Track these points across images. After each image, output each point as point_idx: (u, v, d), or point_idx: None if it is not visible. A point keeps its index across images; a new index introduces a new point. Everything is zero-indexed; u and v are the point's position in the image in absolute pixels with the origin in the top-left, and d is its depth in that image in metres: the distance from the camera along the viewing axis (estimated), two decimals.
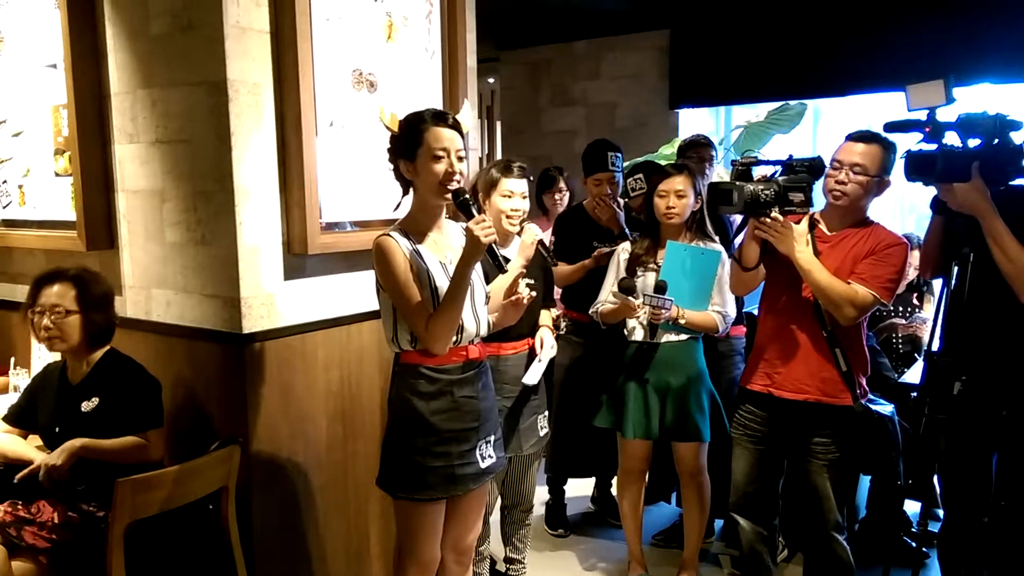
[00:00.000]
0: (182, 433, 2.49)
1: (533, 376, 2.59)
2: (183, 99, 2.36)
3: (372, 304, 2.61)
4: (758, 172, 2.45)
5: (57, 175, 2.83)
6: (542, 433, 2.75)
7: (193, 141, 2.36)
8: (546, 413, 2.79)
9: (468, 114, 2.20)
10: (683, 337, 2.82)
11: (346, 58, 2.55)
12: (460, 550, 2.24)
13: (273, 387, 2.39)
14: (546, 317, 2.76)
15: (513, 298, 2.17)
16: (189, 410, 2.48)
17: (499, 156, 5.96)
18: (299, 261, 2.47)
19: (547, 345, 2.64)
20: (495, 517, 2.94)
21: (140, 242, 2.58)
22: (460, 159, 2.01)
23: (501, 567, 3.04)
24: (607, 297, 2.89)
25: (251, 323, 2.33)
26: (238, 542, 2.25)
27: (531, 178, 2.75)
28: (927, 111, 2.21)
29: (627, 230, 3.34)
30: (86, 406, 2.28)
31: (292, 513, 2.50)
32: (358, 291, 2.65)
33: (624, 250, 2.92)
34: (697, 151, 3.66)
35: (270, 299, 2.39)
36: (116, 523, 1.94)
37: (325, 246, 2.49)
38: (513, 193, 2.59)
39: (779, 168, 2.42)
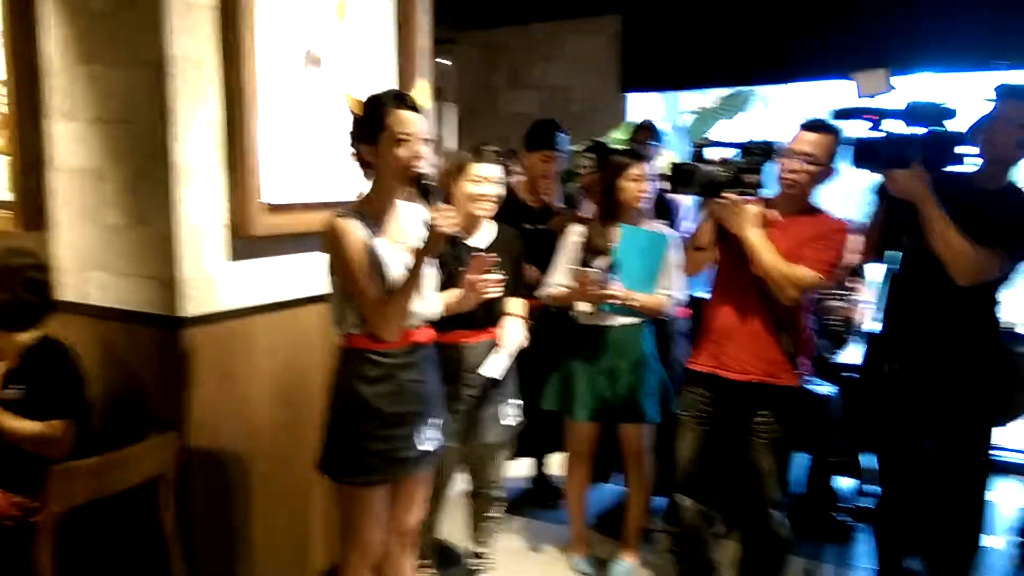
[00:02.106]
0: (119, 419, 2.43)
1: (492, 367, 2.55)
2: (124, 76, 2.29)
3: (318, 288, 2.59)
4: (714, 155, 2.49)
5: None
6: (509, 422, 2.70)
7: (134, 120, 2.29)
8: (516, 402, 2.74)
9: (425, 95, 2.17)
10: (633, 320, 2.85)
11: (295, 36, 2.49)
12: (403, 533, 2.24)
13: (213, 373, 2.35)
14: (515, 306, 2.68)
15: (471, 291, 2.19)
16: (127, 396, 2.42)
17: (452, 138, 5.91)
18: (243, 243, 2.42)
19: (514, 336, 2.60)
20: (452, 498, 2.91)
21: (77, 223, 2.50)
22: (424, 142, 1.99)
23: (467, 558, 3.01)
24: (558, 280, 2.88)
25: (191, 306, 2.28)
26: (174, 531, 2.21)
27: (505, 163, 2.72)
28: (874, 98, 2.26)
29: (563, 209, 3.37)
30: (8, 394, 2.19)
31: (233, 501, 2.46)
32: (304, 274, 2.61)
33: (576, 232, 2.91)
34: (643, 134, 3.70)
35: (211, 282, 2.34)
36: (46, 511, 1.89)
37: (270, 227, 2.44)
38: (483, 178, 2.53)
39: (736, 151, 2.45)
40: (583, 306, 2.83)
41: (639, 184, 2.77)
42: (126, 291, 2.38)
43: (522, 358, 3.28)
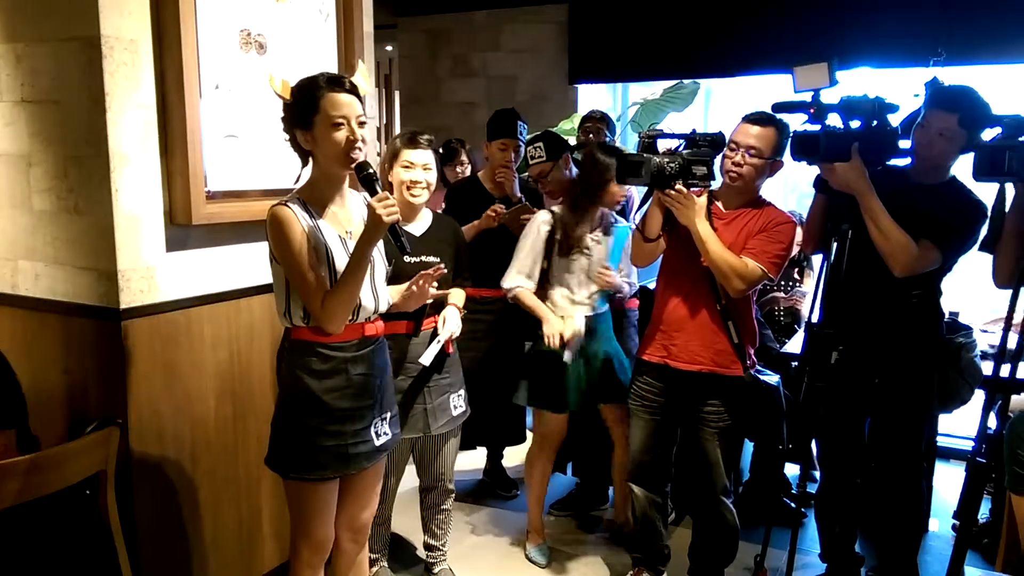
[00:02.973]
0: (56, 415, 2.33)
1: (428, 356, 2.53)
2: (52, 55, 2.18)
3: (262, 278, 2.53)
4: (662, 146, 2.50)
5: None
6: (455, 412, 2.69)
7: (63, 102, 2.19)
8: (461, 392, 2.73)
9: (364, 78, 2.12)
10: (604, 308, 2.92)
11: (233, 16, 2.41)
12: (355, 528, 2.20)
13: (154, 366, 2.27)
14: (456, 296, 2.67)
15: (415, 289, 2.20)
16: (63, 391, 2.32)
17: (398, 126, 5.83)
18: (182, 232, 2.34)
19: (448, 324, 2.59)
20: (404, 490, 2.89)
21: (5, 210, 2.37)
22: (361, 125, 1.93)
23: (421, 552, 2.99)
24: (521, 279, 2.88)
25: (129, 298, 2.20)
26: (119, 528, 2.13)
27: (438, 150, 2.70)
28: (812, 93, 2.30)
29: (523, 199, 3.36)
30: None
31: (179, 497, 2.39)
32: (247, 264, 2.54)
33: (545, 222, 2.90)
34: (594, 125, 3.71)
35: (150, 272, 2.26)
36: None
37: (211, 216, 2.36)
38: (413, 164, 2.51)
39: (682, 142, 2.47)
40: (557, 320, 2.82)
41: (621, 189, 2.83)
42: (60, 281, 2.28)
43: (485, 348, 3.30)
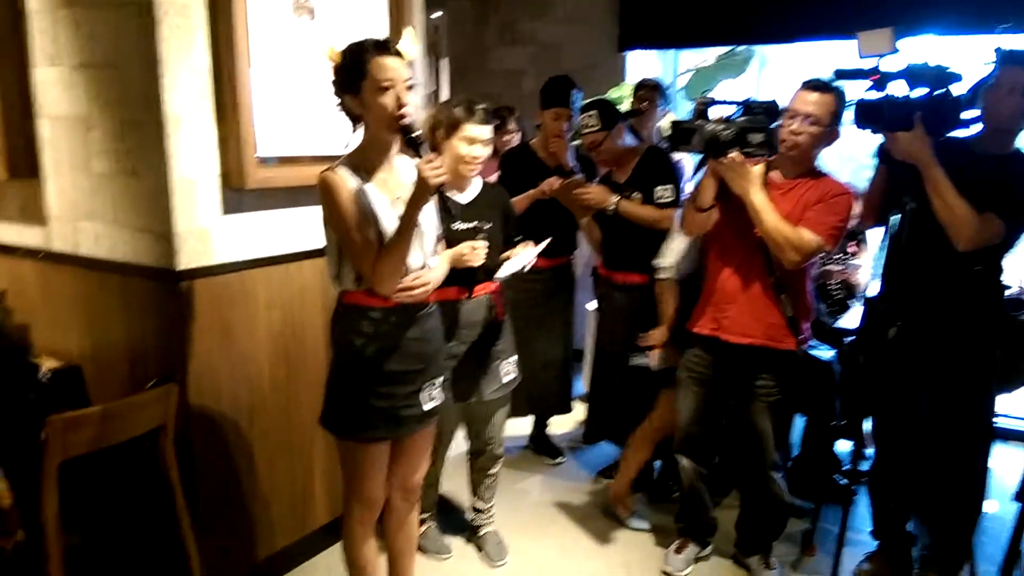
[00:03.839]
0: (118, 372, 2.40)
1: (504, 271, 2.47)
2: (109, 20, 2.21)
3: (314, 242, 2.55)
4: (716, 113, 2.44)
5: None
6: (506, 379, 2.69)
7: (120, 65, 2.22)
8: (512, 359, 2.73)
9: (411, 43, 2.11)
10: None
11: None
12: (407, 488, 2.23)
13: (211, 327, 2.31)
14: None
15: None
16: (124, 348, 2.39)
17: (445, 94, 5.81)
18: (237, 195, 2.37)
19: (529, 251, 2.52)
20: (453, 454, 2.91)
21: (66, 172, 2.44)
22: (409, 89, 1.93)
23: (468, 514, 3.02)
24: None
25: (185, 259, 2.24)
26: (178, 480, 2.20)
27: (496, 123, 2.65)
28: (875, 59, 2.23)
29: (576, 168, 3.33)
30: None
31: (234, 453, 2.45)
32: (300, 228, 2.57)
33: None
34: (648, 92, 3.65)
35: (206, 234, 2.30)
36: (48, 460, 1.87)
37: (264, 180, 2.39)
38: (475, 139, 2.45)
39: (738, 109, 2.41)
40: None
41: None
42: (120, 242, 2.33)
43: (533, 317, 3.31)
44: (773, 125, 2.38)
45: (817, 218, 2.36)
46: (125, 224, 2.31)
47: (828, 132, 2.40)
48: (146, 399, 2.09)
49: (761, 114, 2.37)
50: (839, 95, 2.39)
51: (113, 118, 2.27)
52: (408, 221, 1.91)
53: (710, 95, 2.57)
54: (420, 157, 1.89)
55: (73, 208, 2.44)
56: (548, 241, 2.55)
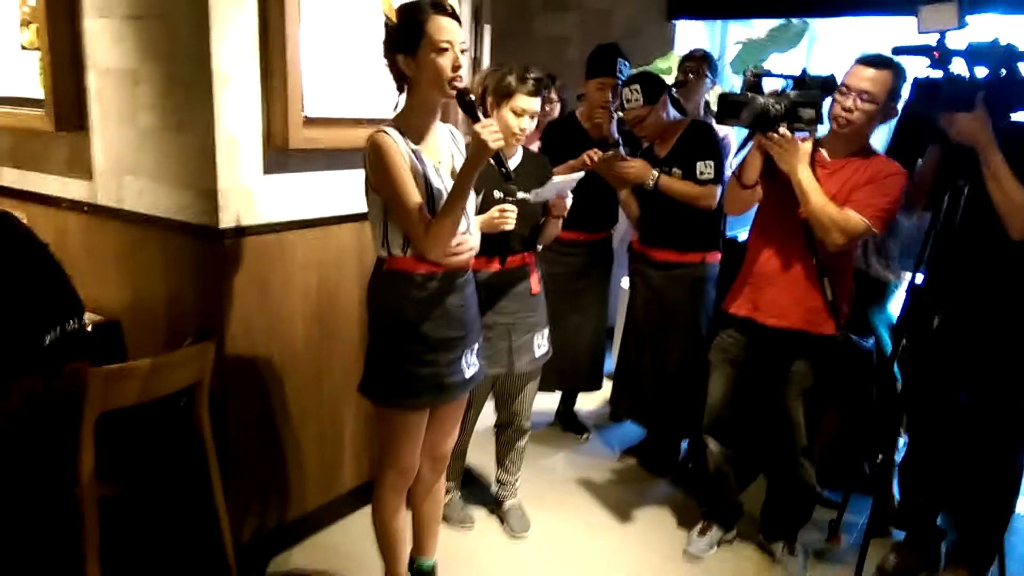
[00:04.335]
0: (156, 327, 2.44)
1: (546, 191, 2.42)
2: None
3: (353, 206, 2.55)
4: (768, 86, 2.37)
5: (24, 48, 2.65)
6: (539, 352, 2.68)
7: (168, 17, 2.21)
8: (545, 332, 2.71)
9: (457, 3, 2.07)
10: None
11: None
12: (436, 457, 2.24)
13: (249, 285, 2.33)
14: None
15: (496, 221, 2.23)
16: (163, 304, 2.42)
17: (487, 60, 5.74)
18: (279, 155, 2.37)
19: (571, 176, 2.47)
20: (481, 428, 2.92)
21: (112, 125, 2.45)
22: (463, 52, 1.90)
23: (493, 486, 3.04)
24: None
25: (228, 217, 2.25)
26: (211, 438, 2.23)
27: (545, 92, 2.60)
28: (937, 36, 2.14)
29: (619, 140, 3.27)
30: None
31: (266, 412, 2.48)
32: (340, 191, 2.56)
33: None
34: (696, 64, 3.56)
35: (248, 193, 2.30)
36: (88, 412, 1.90)
37: (308, 141, 2.38)
38: (525, 111, 2.41)
39: (789, 83, 2.34)
40: None
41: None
42: (163, 197, 2.35)
43: (571, 290, 3.30)
44: (826, 100, 2.30)
45: (866, 199, 2.29)
46: (169, 180, 2.32)
47: (884, 110, 2.31)
48: (184, 355, 2.11)
49: (816, 88, 2.30)
50: (898, 71, 2.30)
51: (161, 72, 2.27)
52: (465, 184, 1.89)
53: (764, 67, 2.50)
54: (477, 120, 1.86)
55: (118, 162, 2.46)
56: (582, 174, 2.50)
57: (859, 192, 2.31)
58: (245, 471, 2.44)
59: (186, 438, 2.23)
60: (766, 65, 4.36)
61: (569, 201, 2.52)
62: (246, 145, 2.28)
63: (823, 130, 2.36)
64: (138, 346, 2.48)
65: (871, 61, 2.30)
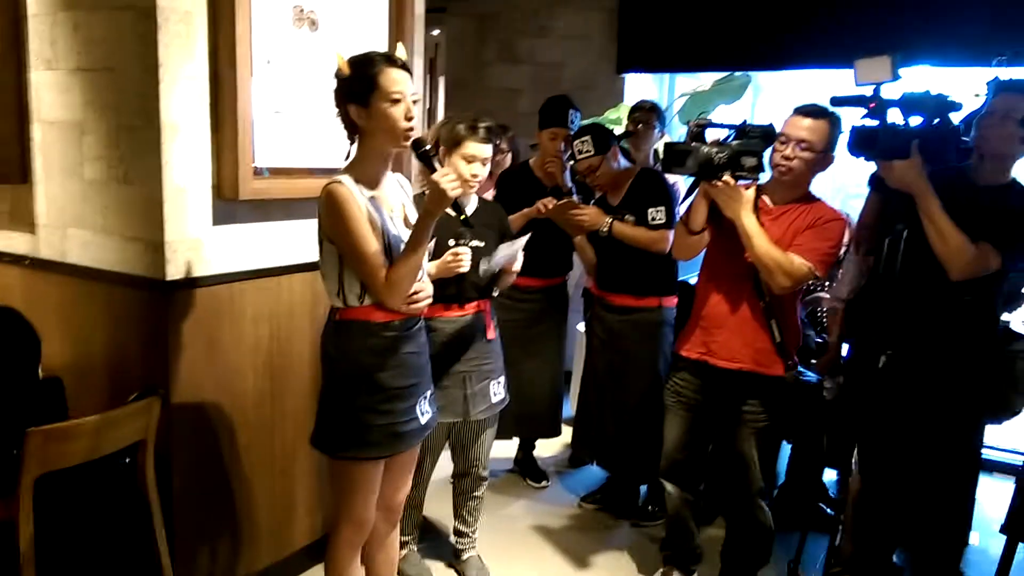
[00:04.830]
0: (99, 383, 2.36)
1: (497, 261, 2.45)
2: (108, 24, 2.20)
3: (305, 256, 2.53)
4: (711, 136, 2.44)
5: None
6: (495, 399, 2.67)
7: (117, 70, 2.20)
8: (501, 379, 2.71)
9: (405, 58, 2.10)
10: None
11: None
12: (389, 508, 2.20)
13: (198, 338, 2.28)
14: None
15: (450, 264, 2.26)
16: (106, 359, 2.35)
17: (442, 110, 5.81)
18: (229, 206, 2.35)
19: (517, 241, 2.52)
20: (438, 478, 2.88)
21: (57, 177, 2.41)
22: (416, 102, 1.93)
23: (451, 538, 2.98)
24: None
25: (176, 269, 2.21)
26: (156, 497, 2.15)
27: (496, 142, 2.65)
28: (873, 87, 2.23)
29: (573, 189, 3.33)
30: None
31: (215, 469, 2.41)
32: (291, 241, 2.54)
33: None
34: (644, 115, 3.65)
35: (197, 245, 2.27)
36: (26, 474, 1.82)
37: (257, 192, 2.37)
38: (475, 158, 2.45)
39: (732, 132, 2.41)
40: None
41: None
42: (108, 250, 2.30)
43: (525, 337, 3.29)
44: (767, 149, 2.38)
45: (808, 244, 2.36)
46: (114, 232, 2.28)
47: (822, 158, 2.40)
48: (128, 412, 2.05)
49: (756, 138, 2.38)
50: (833, 121, 2.40)
51: (108, 123, 2.25)
52: (423, 232, 1.90)
53: (706, 118, 2.57)
54: (434, 170, 1.88)
55: (62, 214, 2.41)
56: (528, 236, 2.53)
57: (801, 237, 2.38)
58: (193, 530, 2.36)
59: (130, 497, 2.14)
60: (711, 116, 4.49)
61: (519, 264, 2.56)
62: (195, 196, 2.25)
63: (765, 178, 2.43)
64: (80, 403, 2.39)
65: (808, 111, 2.39)
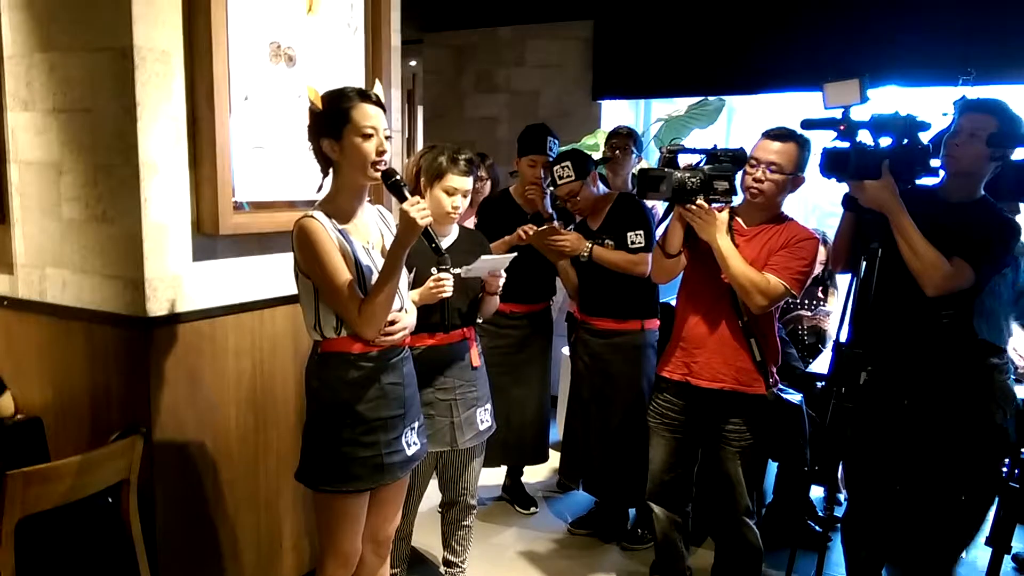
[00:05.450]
0: (80, 423, 2.34)
1: (476, 268, 2.45)
2: (85, 65, 2.21)
3: (286, 289, 2.53)
4: (683, 161, 2.49)
5: None
6: (482, 427, 2.66)
7: (95, 110, 2.21)
8: (488, 407, 2.70)
9: (381, 94, 2.13)
10: None
11: (263, 29, 2.43)
12: (378, 541, 2.18)
13: (179, 375, 2.27)
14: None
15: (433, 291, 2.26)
16: (87, 398, 2.33)
17: (421, 140, 5.85)
18: (209, 242, 2.35)
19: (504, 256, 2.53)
20: (426, 508, 2.86)
21: (35, 217, 2.40)
22: (388, 138, 1.95)
23: (440, 568, 2.95)
24: None
25: (156, 306, 2.21)
26: (140, 537, 2.13)
27: (477, 173, 2.68)
28: (842, 109, 2.28)
29: (554, 215, 3.35)
30: None
31: (199, 507, 2.39)
32: (272, 275, 2.55)
33: None
34: (621, 140, 3.70)
35: (177, 281, 2.27)
36: (6, 518, 1.79)
37: (237, 227, 2.37)
38: (456, 190, 2.48)
39: (703, 157, 2.46)
40: None
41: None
42: (87, 289, 2.29)
43: (510, 364, 3.29)
44: (738, 172, 2.42)
45: (782, 263, 2.41)
46: (94, 271, 2.27)
47: (791, 179, 2.45)
48: (110, 452, 2.03)
49: (727, 162, 2.43)
50: (801, 143, 2.45)
51: (86, 163, 2.25)
52: (395, 262, 1.91)
53: (678, 143, 2.62)
54: (404, 199, 1.91)
55: (40, 254, 2.40)
56: (514, 254, 2.57)
57: (776, 257, 2.43)
58: (178, 569, 2.32)
59: (114, 537, 2.12)
60: (688, 140, 4.57)
61: (502, 281, 2.57)
62: (175, 233, 2.25)
63: (737, 200, 2.47)
64: (61, 444, 2.37)
65: (776, 135, 2.45)
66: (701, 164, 2.44)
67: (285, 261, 2.46)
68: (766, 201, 2.46)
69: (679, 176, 2.36)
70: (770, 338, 2.52)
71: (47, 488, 1.88)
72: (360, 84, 2.78)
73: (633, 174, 3.80)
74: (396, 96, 3.05)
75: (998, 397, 2.49)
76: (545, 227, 3.16)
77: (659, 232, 3.03)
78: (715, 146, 2.49)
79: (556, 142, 3.38)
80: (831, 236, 3.21)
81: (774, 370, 2.53)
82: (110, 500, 2.09)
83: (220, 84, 2.26)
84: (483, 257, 2.47)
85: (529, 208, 3.36)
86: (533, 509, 3.67)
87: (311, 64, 2.61)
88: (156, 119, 2.18)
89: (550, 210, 3.38)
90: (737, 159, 2.43)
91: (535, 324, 3.47)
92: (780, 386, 2.61)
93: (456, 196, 2.49)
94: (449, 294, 2.35)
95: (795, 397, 2.71)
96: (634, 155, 3.76)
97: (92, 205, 2.25)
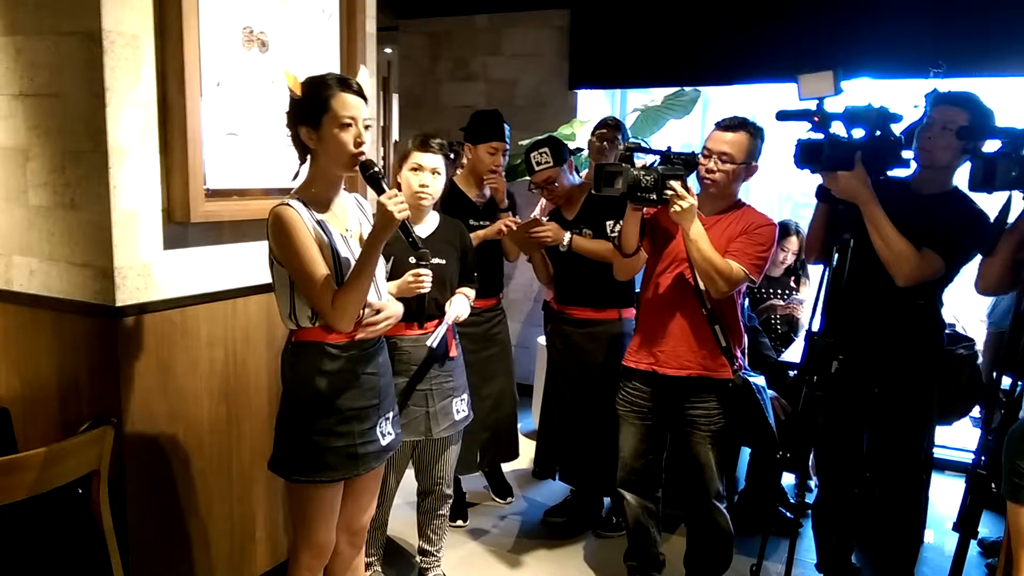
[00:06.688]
0: (49, 413, 2.30)
1: (435, 338, 2.52)
2: (53, 49, 2.15)
3: (260, 277, 2.51)
4: (640, 160, 2.52)
5: None
6: (458, 417, 2.66)
7: (63, 95, 2.16)
8: (464, 397, 2.71)
9: (366, 80, 2.11)
10: None
11: (236, 13, 2.39)
12: (353, 531, 2.18)
13: (150, 364, 2.24)
14: (465, 289, 2.72)
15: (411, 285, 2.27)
16: (56, 388, 2.29)
17: (396, 128, 5.80)
18: (180, 229, 2.31)
19: (455, 307, 2.58)
20: (399, 500, 2.86)
21: (0, 204, 2.35)
22: (367, 128, 1.92)
23: (416, 557, 2.96)
24: None
25: (126, 295, 2.17)
26: (111, 528, 2.10)
27: (450, 156, 2.66)
28: (816, 101, 2.30)
29: (510, 205, 3.34)
30: None
31: (171, 497, 2.36)
32: (245, 263, 2.52)
33: None
34: (609, 132, 3.68)
35: (147, 269, 2.23)
36: None
37: (209, 214, 2.34)
38: (422, 167, 2.48)
39: (657, 158, 2.49)
40: None
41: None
42: (55, 278, 2.25)
43: (474, 360, 3.27)
44: (690, 175, 2.46)
45: (741, 249, 2.45)
46: (62, 258, 2.23)
47: (744, 168, 2.49)
48: (79, 443, 2.00)
49: (680, 163, 2.46)
50: (753, 132, 2.49)
51: (53, 149, 2.20)
52: (370, 253, 1.90)
53: (637, 141, 2.66)
54: (382, 192, 1.89)
55: (6, 242, 2.35)
56: (456, 315, 2.64)
57: (735, 243, 2.46)
58: (149, 560, 2.30)
59: (85, 529, 2.09)
60: (663, 131, 4.59)
61: (466, 312, 2.66)
62: (145, 220, 2.22)
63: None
64: (30, 435, 2.33)
65: (727, 125, 2.49)
66: (655, 164, 2.47)
67: (259, 249, 2.44)
68: (720, 191, 2.50)
69: (635, 174, 2.39)
70: (733, 322, 2.56)
71: (15, 479, 1.84)
72: (335, 70, 2.75)
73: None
74: (373, 84, 3.02)
75: (967, 385, 2.54)
76: (528, 221, 3.15)
77: (615, 230, 3.05)
78: (668, 148, 2.54)
79: (509, 129, 3.35)
80: (804, 227, 3.24)
81: (739, 353, 2.56)
82: (80, 491, 2.06)
83: (191, 69, 2.22)
84: (437, 332, 2.54)
85: (478, 198, 3.32)
86: (510, 499, 3.67)
87: (285, 50, 2.58)
88: (126, 104, 2.14)
89: (507, 200, 3.33)
90: (688, 163, 2.47)
91: (493, 319, 3.43)
92: (745, 368, 2.64)
93: (423, 173, 2.49)
94: (428, 289, 2.34)
95: (758, 379, 2.74)
96: (620, 146, 3.76)
97: (60, 192, 2.21)
